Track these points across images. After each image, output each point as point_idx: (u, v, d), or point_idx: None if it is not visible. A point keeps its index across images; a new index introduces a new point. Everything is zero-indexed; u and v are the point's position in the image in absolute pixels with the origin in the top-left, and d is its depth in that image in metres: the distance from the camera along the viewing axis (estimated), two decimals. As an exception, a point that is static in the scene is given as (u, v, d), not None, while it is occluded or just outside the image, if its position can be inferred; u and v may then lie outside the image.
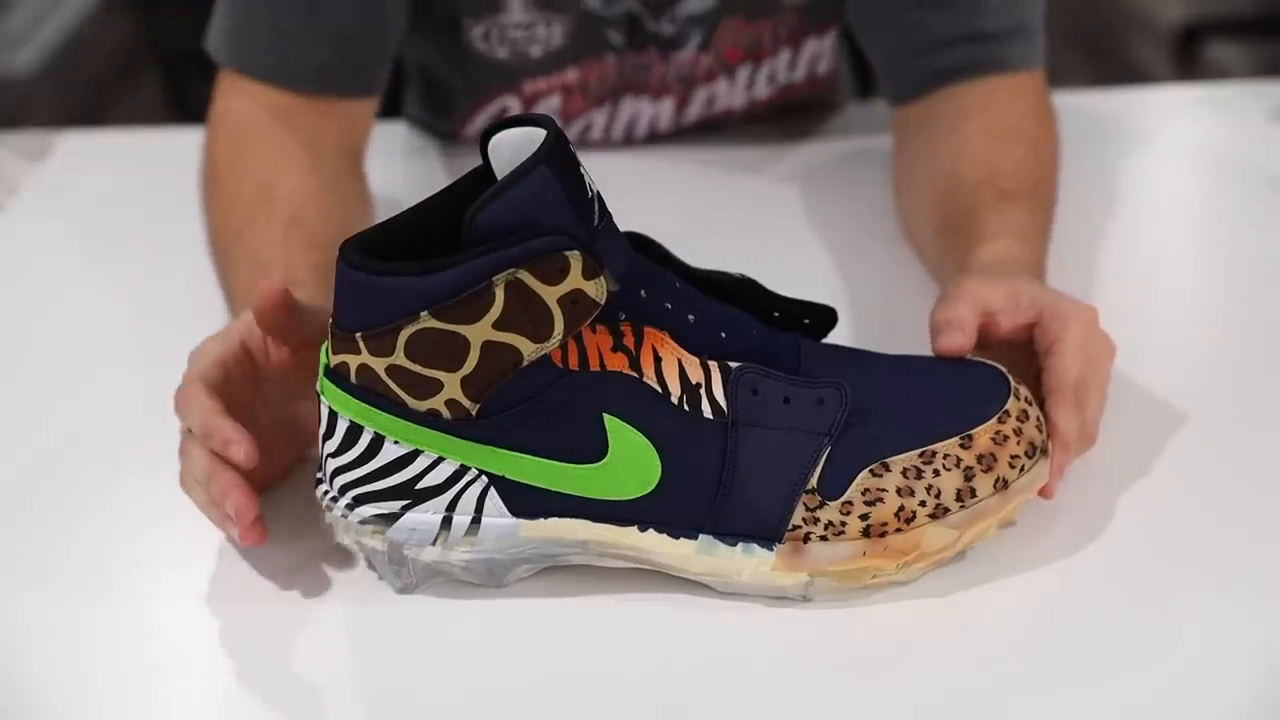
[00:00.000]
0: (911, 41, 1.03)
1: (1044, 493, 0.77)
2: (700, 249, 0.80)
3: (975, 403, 0.75)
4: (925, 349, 0.81)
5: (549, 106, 1.13)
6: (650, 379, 0.71)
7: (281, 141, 0.99)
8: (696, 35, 1.10)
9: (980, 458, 0.73)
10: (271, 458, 0.79)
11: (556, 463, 0.71)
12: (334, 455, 0.73)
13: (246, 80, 1.02)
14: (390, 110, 1.26)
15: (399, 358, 0.69)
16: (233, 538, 0.76)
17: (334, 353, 0.71)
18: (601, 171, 0.75)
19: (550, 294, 0.68)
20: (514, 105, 1.13)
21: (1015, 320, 0.80)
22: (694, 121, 1.17)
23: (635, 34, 1.10)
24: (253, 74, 1.02)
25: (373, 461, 0.72)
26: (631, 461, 0.71)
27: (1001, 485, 0.73)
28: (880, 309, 0.96)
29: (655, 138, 1.17)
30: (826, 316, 0.78)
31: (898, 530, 0.72)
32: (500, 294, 0.67)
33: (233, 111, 1.02)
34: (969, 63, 1.01)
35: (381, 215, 0.71)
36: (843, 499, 0.72)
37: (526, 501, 0.72)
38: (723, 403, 0.71)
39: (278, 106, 1.01)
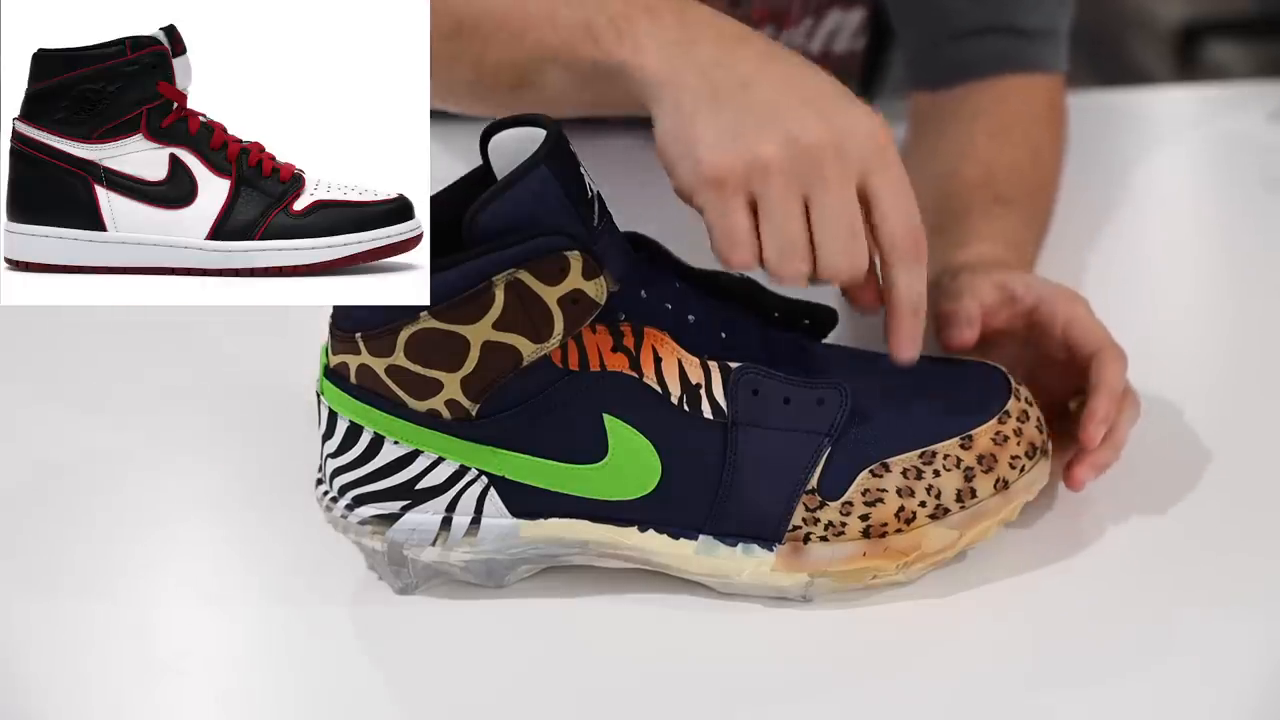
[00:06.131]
0: (943, 27, 1.02)
1: (1070, 475, 0.77)
2: (701, 249, 0.80)
3: (975, 403, 0.75)
4: (925, 350, 0.81)
5: None
6: (650, 379, 0.71)
7: None
8: None
9: (980, 458, 0.73)
10: None
11: (556, 463, 0.71)
12: (334, 455, 0.73)
13: None
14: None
15: (399, 358, 0.69)
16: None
17: (334, 353, 0.71)
18: (604, 168, 0.75)
19: (550, 294, 0.68)
20: None
21: (1013, 310, 0.80)
22: None
23: None
24: None
25: (372, 462, 0.72)
26: (631, 462, 0.71)
27: (1002, 486, 0.73)
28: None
29: None
30: (826, 316, 0.78)
31: (898, 531, 0.72)
32: (500, 294, 0.67)
33: None
34: (995, 56, 1.00)
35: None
36: (843, 499, 0.72)
37: (526, 502, 0.72)
38: (723, 403, 0.71)
39: None
